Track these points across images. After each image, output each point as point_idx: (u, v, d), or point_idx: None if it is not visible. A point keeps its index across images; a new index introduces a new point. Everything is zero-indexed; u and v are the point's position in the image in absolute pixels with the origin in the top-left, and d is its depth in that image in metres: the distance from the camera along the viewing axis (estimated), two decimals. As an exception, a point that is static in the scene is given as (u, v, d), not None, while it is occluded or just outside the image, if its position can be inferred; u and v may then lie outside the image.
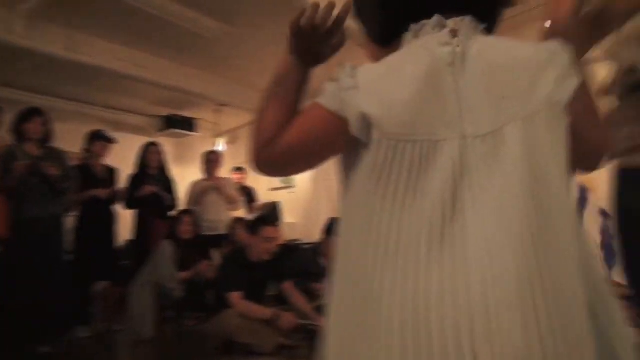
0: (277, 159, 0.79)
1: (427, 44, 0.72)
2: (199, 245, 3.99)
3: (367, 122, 0.68)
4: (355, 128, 0.69)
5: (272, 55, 4.98)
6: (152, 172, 4.59)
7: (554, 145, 0.66)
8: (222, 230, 4.69)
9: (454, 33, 0.71)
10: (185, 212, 4.16)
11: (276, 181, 6.96)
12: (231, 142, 6.98)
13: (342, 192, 0.76)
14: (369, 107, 0.68)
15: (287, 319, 2.93)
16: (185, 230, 3.86)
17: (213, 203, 4.84)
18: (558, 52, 0.70)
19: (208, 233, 4.58)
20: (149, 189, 4.36)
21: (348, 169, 0.74)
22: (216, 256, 4.27)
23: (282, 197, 6.66)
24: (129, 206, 4.45)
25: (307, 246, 5.80)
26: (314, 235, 5.89)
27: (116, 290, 4.06)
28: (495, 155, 0.64)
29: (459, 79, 0.68)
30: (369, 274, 0.63)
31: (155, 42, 4.82)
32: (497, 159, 0.64)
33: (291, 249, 5.56)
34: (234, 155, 7.62)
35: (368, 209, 0.66)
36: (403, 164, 0.66)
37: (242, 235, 4.23)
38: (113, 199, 4.32)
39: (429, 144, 0.66)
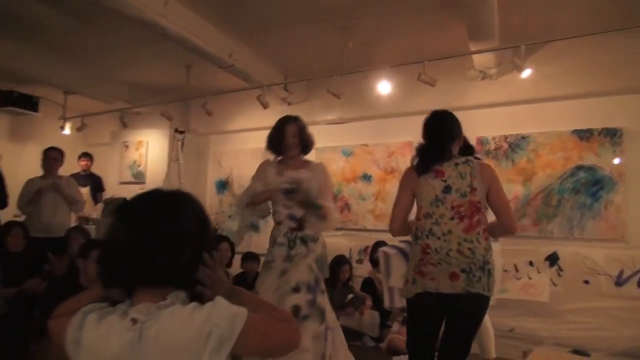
0: None
1: (119, 327, 0.93)
2: (29, 257, 3.80)
3: None
4: None
5: (126, 51, 4.93)
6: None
7: None
8: (58, 233, 4.45)
9: (135, 321, 0.92)
10: (14, 224, 3.89)
11: (127, 174, 6.73)
12: (80, 128, 6.55)
13: None
14: None
15: None
16: (14, 243, 3.65)
17: (50, 203, 4.57)
18: (220, 323, 0.90)
19: (42, 236, 4.34)
20: None
21: None
22: (54, 264, 4.09)
23: (131, 193, 6.40)
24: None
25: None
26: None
27: None
28: None
29: (136, 357, 0.90)
30: None
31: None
32: None
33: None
34: (82, 140, 7.18)
35: None
36: None
37: (80, 243, 4.10)
38: None
39: None
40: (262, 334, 0.96)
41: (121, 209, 1.03)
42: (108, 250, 1.01)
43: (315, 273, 2.87)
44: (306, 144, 3.00)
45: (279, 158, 3.00)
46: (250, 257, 4.83)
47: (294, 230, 2.85)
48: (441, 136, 2.32)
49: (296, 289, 2.77)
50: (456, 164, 2.26)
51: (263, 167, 3.00)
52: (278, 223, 2.91)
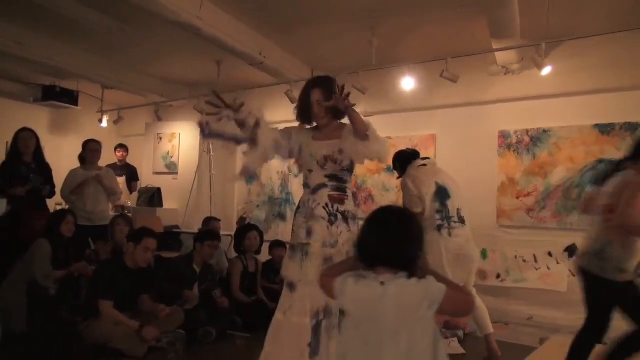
0: None
1: (372, 285, 1.48)
2: (76, 242, 4.12)
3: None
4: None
5: (160, 48, 5.19)
6: (27, 159, 4.52)
7: (426, 336, 1.44)
8: (99, 222, 4.77)
9: (382, 283, 1.46)
10: (67, 211, 4.23)
11: (160, 165, 7.05)
12: (116, 120, 6.88)
13: None
14: (346, 304, 1.53)
15: (150, 332, 3.26)
16: (67, 229, 3.96)
17: (92, 194, 4.84)
18: (433, 292, 1.43)
19: (85, 224, 4.64)
20: (20, 190, 4.28)
21: None
22: (99, 248, 4.41)
23: (164, 183, 6.78)
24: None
25: (185, 235, 6.08)
26: (193, 225, 6.19)
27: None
28: (396, 341, 1.42)
29: (382, 305, 1.43)
30: None
31: (44, 25, 4.76)
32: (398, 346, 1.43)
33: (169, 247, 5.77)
34: (118, 132, 7.53)
35: None
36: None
37: (123, 230, 4.41)
38: None
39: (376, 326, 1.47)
40: (454, 302, 1.48)
41: (371, 217, 1.57)
42: (363, 243, 1.55)
43: None
44: (336, 109, 2.43)
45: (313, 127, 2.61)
46: (278, 245, 5.06)
47: (335, 202, 2.42)
48: (625, 158, 2.98)
49: None
50: (617, 176, 2.92)
51: (300, 126, 2.65)
52: (314, 190, 2.47)
